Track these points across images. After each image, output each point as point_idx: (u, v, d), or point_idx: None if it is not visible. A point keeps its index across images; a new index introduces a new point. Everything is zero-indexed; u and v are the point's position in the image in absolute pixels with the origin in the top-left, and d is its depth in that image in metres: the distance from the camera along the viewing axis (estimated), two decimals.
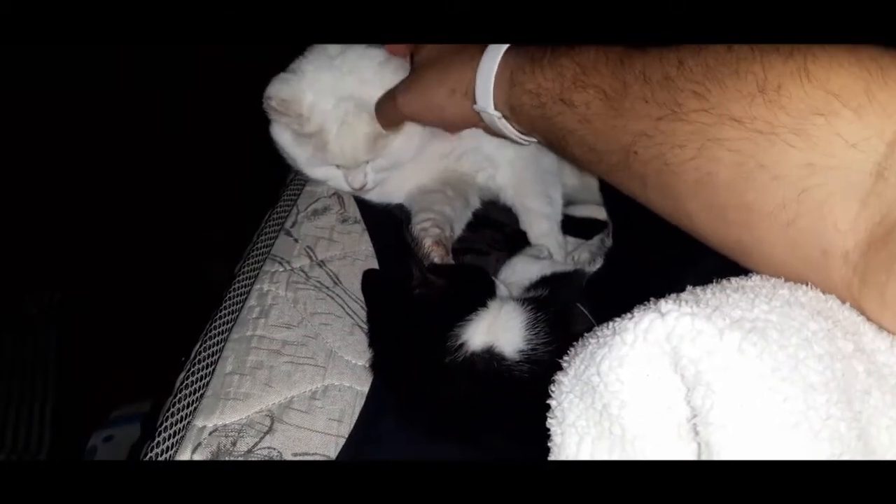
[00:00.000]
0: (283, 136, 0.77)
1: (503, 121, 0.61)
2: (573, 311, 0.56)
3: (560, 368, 0.41)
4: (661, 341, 0.34)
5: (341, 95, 0.71)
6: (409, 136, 0.75)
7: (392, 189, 0.83)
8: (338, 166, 0.77)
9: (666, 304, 0.36)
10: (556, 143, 0.56)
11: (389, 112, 0.71)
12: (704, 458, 0.32)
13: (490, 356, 0.53)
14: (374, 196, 0.83)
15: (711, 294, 0.38)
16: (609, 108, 0.49)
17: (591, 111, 0.50)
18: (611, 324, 0.38)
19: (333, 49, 0.74)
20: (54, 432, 1.36)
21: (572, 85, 0.51)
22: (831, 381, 0.33)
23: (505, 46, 0.59)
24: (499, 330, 0.54)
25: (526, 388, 0.52)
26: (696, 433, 0.32)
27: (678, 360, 0.33)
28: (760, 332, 0.33)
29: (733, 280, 0.41)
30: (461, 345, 0.54)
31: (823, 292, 0.39)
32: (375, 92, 0.71)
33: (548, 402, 0.40)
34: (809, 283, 0.40)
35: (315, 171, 0.79)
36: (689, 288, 0.40)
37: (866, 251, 0.37)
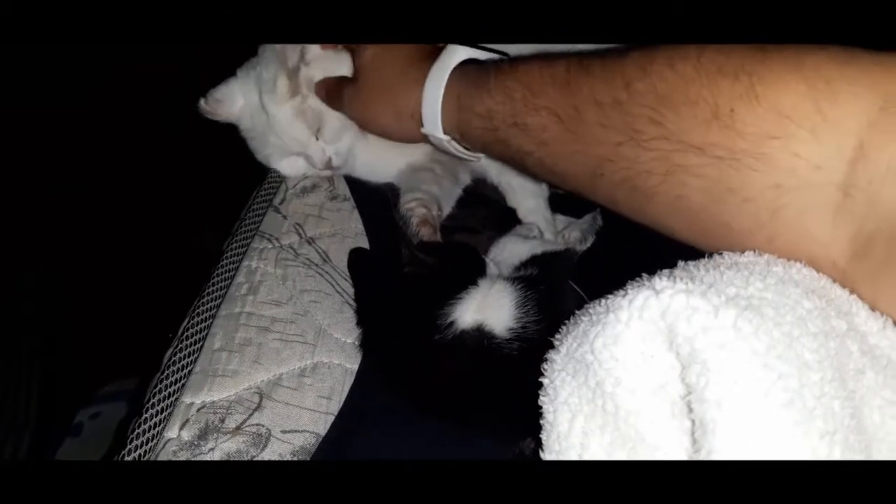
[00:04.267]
0: (250, 145, 0.78)
1: (453, 143, 0.60)
2: (563, 290, 0.56)
3: (551, 347, 0.41)
4: (656, 319, 0.34)
5: (257, 86, 0.73)
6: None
7: (381, 167, 0.82)
8: (298, 154, 0.77)
9: (660, 281, 0.35)
10: (513, 163, 0.55)
11: (335, 105, 0.71)
12: (698, 435, 0.32)
13: (480, 334, 0.53)
14: (363, 174, 0.83)
15: (705, 270, 0.37)
16: (566, 131, 0.48)
17: (547, 135, 0.49)
18: (604, 301, 0.37)
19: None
20: (41, 408, 1.36)
21: (523, 108, 0.50)
22: (825, 359, 0.33)
23: (450, 67, 0.58)
24: (489, 308, 0.54)
25: (516, 366, 0.52)
26: (690, 410, 0.32)
27: (673, 338, 0.33)
28: (755, 309, 0.33)
29: (727, 256, 0.40)
30: (451, 323, 0.54)
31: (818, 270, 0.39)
32: (271, 70, 0.71)
33: (539, 380, 0.40)
34: (803, 261, 0.40)
35: (283, 165, 0.80)
36: (681, 263, 0.39)
37: (850, 261, 0.37)
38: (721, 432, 0.30)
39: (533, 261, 0.62)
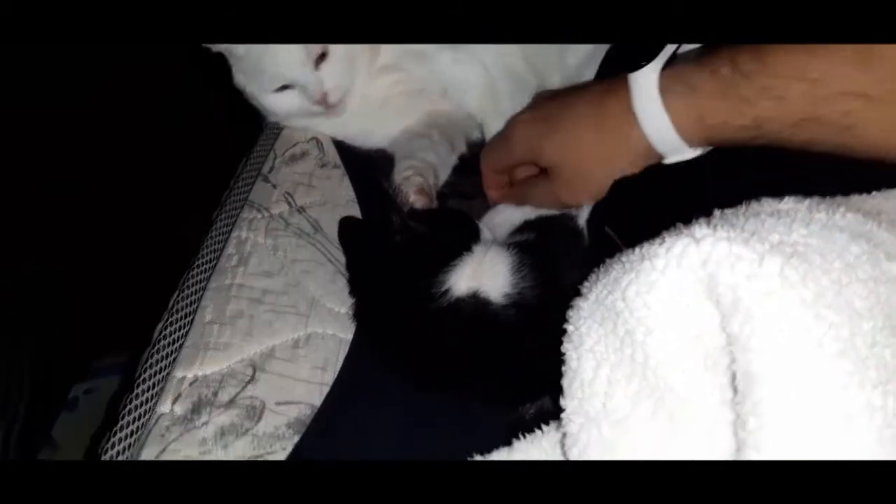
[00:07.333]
0: (238, 78, 0.75)
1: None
2: (560, 255, 0.54)
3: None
4: (696, 267, 0.33)
5: None
6: None
7: (374, 132, 0.81)
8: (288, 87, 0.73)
9: (700, 229, 0.34)
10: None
11: (501, 154, 0.66)
12: (742, 386, 0.30)
13: (475, 301, 0.52)
14: (357, 140, 0.81)
15: (745, 219, 0.36)
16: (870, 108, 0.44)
17: (851, 119, 0.45)
18: (638, 249, 0.36)
19: None
20: (35, 384, 1.35)
21: (811, 104, 0.46)
22: (875, 306, 0.31)
23: (653, 95, 0.52)
24: (484, 274, 0.53)
25: (513, 332, 0.51)
26: (733, 361, 0.31)
27: (714, 287, 0.32)
28: (801, 256, 0.32)
29: (765, 203, 0.39)
30: (445, 291, 0.53)
31: (863, 214, 0.38)
32: None
33: (564, 326, 0.39)
34: (846, 205, 0.39)
35: (272, 100, 0.75)
36: (717, 212, 0.38)
37: None
38: (769, 383, 0.29)
39: (528, 226, 0.60)
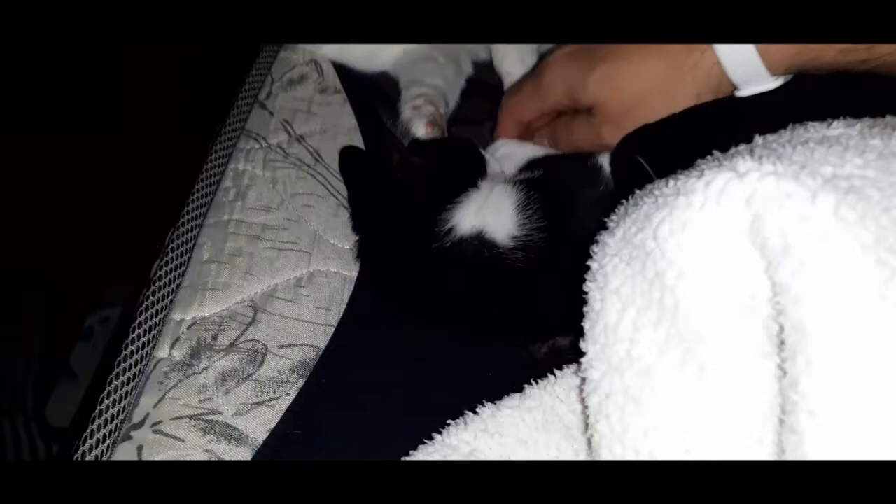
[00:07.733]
0: None
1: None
2: (569, 195, 0.50)
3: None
4: (740, 206, 0.29)
5: None
6: None
7: (376, 54, 0.76)
8: None
9: (744, 162, 0.30)
10: None
11: (531, 99, 0.58)
12: (792, 340, 0.27)
13: (480, 241, 0.49)
14: (359, 63, 0.76)
15: (792, 147, 0.31)
16: None
17: None
18: (673, 181, 0.32)
19: None
20: (48, 317, 1.35)
21: None
22: None
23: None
24: (489, 213, 0.49)
25: (519, 274, 0.48)
26: (780, 313, 0.28)
27: (759, 229, 0.28)
28: (858, 192, 0.28)
29: (812, 129, 0.35)
30: (450, 229, 0.49)
31: None
32: None
33: (587, 263, 0.36)
34: None
35: None
36: (759, 138, 0.34)
37: None
38: (825, 339, 0.26)
39: (539, 161, 0.56)
